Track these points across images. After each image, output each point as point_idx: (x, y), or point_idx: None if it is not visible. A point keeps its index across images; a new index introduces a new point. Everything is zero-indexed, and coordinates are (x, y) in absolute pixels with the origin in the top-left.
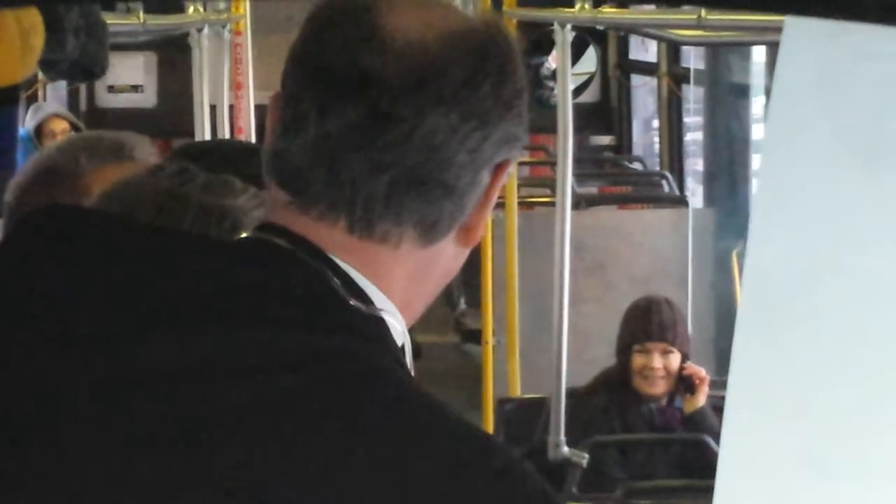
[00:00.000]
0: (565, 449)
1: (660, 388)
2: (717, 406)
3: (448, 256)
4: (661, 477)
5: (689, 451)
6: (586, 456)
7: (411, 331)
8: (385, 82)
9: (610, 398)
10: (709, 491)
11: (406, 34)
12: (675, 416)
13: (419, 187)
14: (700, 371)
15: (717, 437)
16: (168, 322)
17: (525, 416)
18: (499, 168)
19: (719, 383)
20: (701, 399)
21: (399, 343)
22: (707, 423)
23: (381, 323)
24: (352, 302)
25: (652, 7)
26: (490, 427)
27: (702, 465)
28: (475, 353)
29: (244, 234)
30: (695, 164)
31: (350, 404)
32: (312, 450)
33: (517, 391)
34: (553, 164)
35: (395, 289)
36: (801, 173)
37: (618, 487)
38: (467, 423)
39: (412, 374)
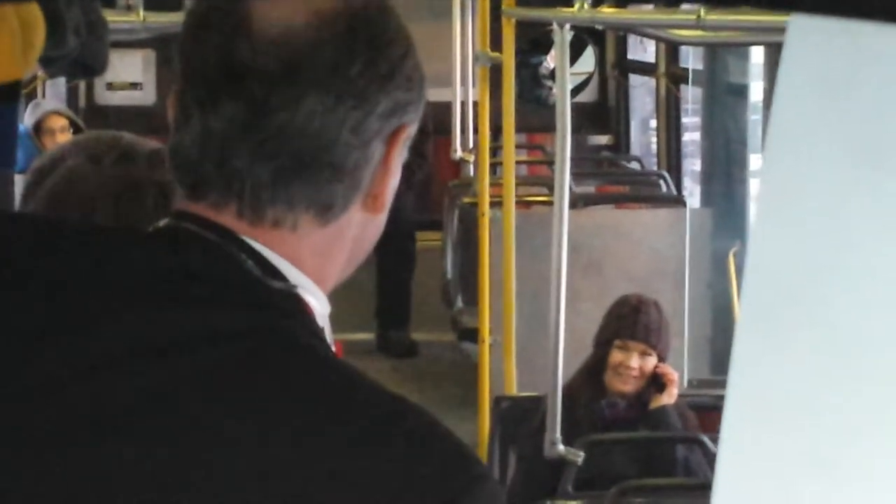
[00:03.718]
0: (561, 447)
1: (630, 387)
2: (702, 405)
3: (356, 225)
4: (620, 470)
5: (653, 448)
6: (582, 454)
7: (409, 329)
8: (258, 74)
9: (576, 394)
10: (705, 489)
11: (275, 22)
12: (629, 412)
13: (305, 172)
14: (672, 372)
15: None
16: (94, 311)
17: (521, 415)
18: (394, 135)
19: (716, 382)
20: (666, 398)
21: (319, 319)
22: (666, 421)
23: (298, 299)
24: (266, 280)
25: (651, 7)
26: (486, 425)
27: (664, 464)
28: (472, 351)
29: (160, 223)
30: (692, 164)
31: (269, 378)
32: (237, 423)
33: (513, 389)
34: (550, 164)
35: (307, 265)
36: (804, 174)
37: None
38: (383, 389)
39: (331, 347)
